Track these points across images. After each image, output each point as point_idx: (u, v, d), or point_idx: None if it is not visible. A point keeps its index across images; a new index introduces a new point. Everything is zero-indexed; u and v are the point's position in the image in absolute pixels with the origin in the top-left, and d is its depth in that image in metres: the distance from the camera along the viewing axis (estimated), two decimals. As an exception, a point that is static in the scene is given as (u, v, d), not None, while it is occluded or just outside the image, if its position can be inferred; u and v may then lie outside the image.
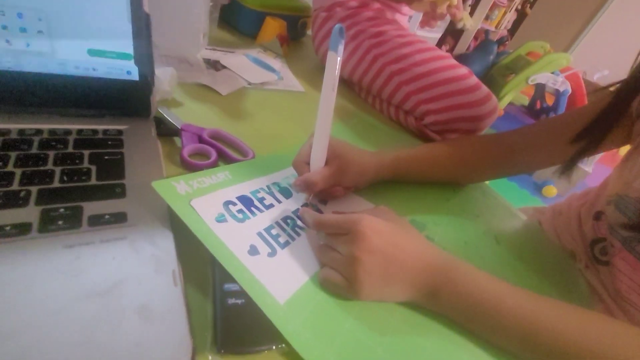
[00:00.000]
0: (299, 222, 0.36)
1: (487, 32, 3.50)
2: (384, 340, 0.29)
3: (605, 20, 3.81)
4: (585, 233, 0.52)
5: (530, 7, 4.31)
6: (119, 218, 0.29)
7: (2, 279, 0.22)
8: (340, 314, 0.29)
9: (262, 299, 0.26)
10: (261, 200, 0.37)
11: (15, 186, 0.28)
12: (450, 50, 3.67)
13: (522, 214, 0.60)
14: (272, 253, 0.31)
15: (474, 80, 0.63)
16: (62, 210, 0.27)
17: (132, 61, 0.39)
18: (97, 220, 0.28)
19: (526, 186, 2.34)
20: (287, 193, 0.40)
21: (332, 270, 0.31)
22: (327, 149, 0.38)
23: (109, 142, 0.36)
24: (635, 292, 0.42)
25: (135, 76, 0.40)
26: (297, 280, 0.30)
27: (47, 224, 0.26)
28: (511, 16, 4.20)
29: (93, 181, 0.31)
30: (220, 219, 0.31)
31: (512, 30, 4.41)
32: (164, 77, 0.47)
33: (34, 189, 0.28)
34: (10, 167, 0.29)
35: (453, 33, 3.58)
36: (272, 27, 0.83)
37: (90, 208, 0.28)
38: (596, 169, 2.22)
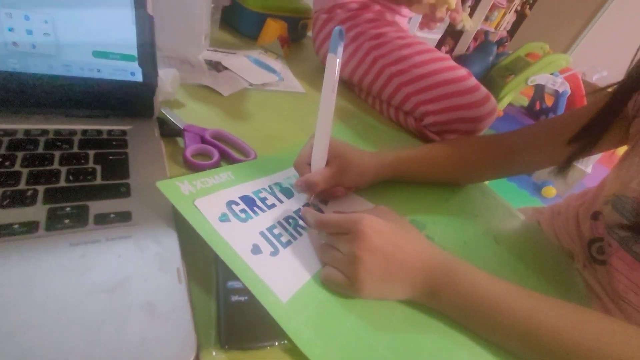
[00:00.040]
0: (300, 222, 0.37)
1: (486, 33, 3.51)
2: (384, 338, 0.29)
3: (605, 21, 3.82)
4: (582, 233, 0.53)
5: (530, 8, 4.33)
6: (124, 217, 0.29)
7: (11, 276, 0.23)
8: (341, 312, 0.30)
9: (265, 298, 0.27)
10: (263, 200, 0.37)
11: (22, 185, 0.29)
12: (450, 51, 3.68)
13: (521, 214, 0.60)
14: (275, 252, 0.32)
15: (473, 81, 0.63)
16: (68, 209, 0.28)
17: (136, 63, 0.40)
18: (102, 219, 0.28)
19: (525, 187, 2.34)
20: (288, 193, 0.40)
21: (333, 269, 0.32)
22: (328, 149, 0.39)
23: (114, 143, 0.37)
24: (633, 291, 0.42)
25: (138, 77, 0.40)
26: (299, 279, 0.31)
27: (54, 222, 0.27)
28: (510, 17, 4.22)
29: (98, 181, 0.32)
30: (224, 219, 0.32)
31: (512, 32, 4.42)
32: (167, 78, 0.47)
33: (40, 188, 0.29)
34: (17, 167, 0.30)
35: (453, 34, 3.59)
36: (273, 29, 0.83)
37: (96, 207, 0.29)
38: (595, 170, 2.23)
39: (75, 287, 0.23)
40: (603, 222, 0.48)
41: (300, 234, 0.35)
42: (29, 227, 0.26)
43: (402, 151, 0.50)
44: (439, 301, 0.32)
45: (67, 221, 0.27)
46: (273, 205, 0.37)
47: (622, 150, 0.49)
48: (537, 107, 3.39)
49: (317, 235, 0.36)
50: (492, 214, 0.56)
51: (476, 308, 0.31)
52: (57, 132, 0.35)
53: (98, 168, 0.33)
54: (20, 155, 0.31)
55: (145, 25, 0.38)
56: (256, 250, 0.31)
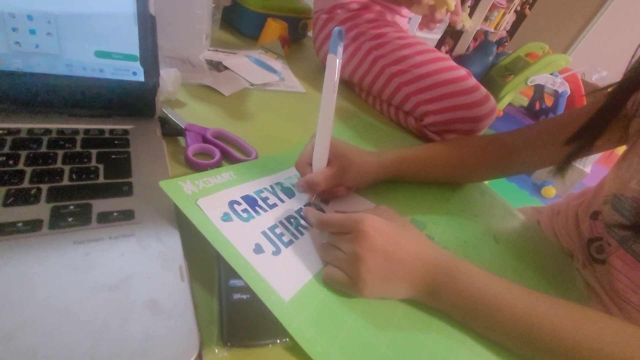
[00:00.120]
0: (302, 222, 0.37)
1: (486, 33, 3.51)
2: (386, 337, 0.29)
3: (604, 22, 3.82)
4: (582, 232, 0.53)
5: (530, 9, 4.33)
6: (127, 215, 0.29)
7: (15, 274, 0.23)
8: (343, 311, 0.30)
9: (267, 297, 0.27)
10: (265, 199, 0.37)
11: (26, 184, 0.29)
12: (450, 51, 3.68)
13: (521, 214, 0.61)
14: (277, 252, 0.32)
15: (472, 81, 0.64)
16: (71, 207, 0.28)
17: (138, 62, 0.40)
18: (105, 218, 0.28)
19: (525, 186, 2.35)
20: (290, 193, 0.40)
21: (335, 268, 0.32)
22: (329, 149, 0.39)
23: (116, 142, 0.37)
24: (632, 290, 0.43)
25: (140, 77, 0.41)
26: (301, 278, 0.31)
27: (58, 220, 0.27)
28: (510, 17, 4.22)
29: (101, 179, 0.32)
30: (226, 218, 0.32)
31: (511, 32, 4.42)
32: (168, 78, 0.47)
33: (44, 187, 0.29)
34: (21, 166, 0.30)
35: (452, 34, 3.60)
36: (274, 29, 0.84)
37: (99, 205, 0.29)
38: (594, 170, 2.23)
39: (79, 285, 0.23)
40: (602, 222, 0.48)
41: (301, 234, 0.36)
42: (33, 226, 0.26)
43: (403, 151, 0.50)
44: (440, 300, 0.33)
45: (70, 219, 0.27)
46: (274, 205, 0.37)
47: (621, 150, 0.50)
48: (537, 107, 3.40)
49: (318, 235, 0.36)
50: (492, 214, 0.56)
51: (476, 307, 0.32)
52: (60, 131, 0.35)
53: (101, 167, 0.33)
54: (23, 154, 0.31)
55: (147, 26, 0.38)
56: (258, 249, 0.31)
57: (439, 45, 3.48)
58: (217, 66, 0.66)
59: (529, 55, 3.00)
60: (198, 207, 0.31)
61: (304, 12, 0.93)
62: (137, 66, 0.40)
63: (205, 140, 0.44)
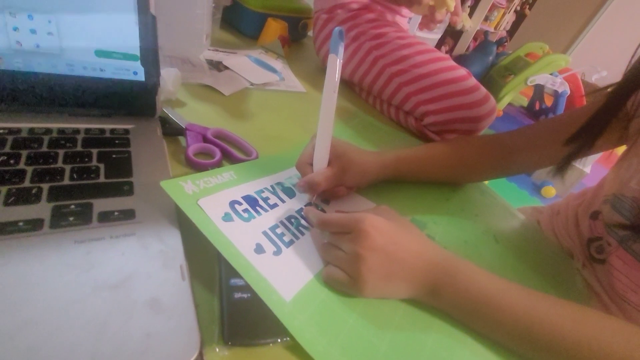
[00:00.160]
0: (302, 222, 0.37)
1: (486, 33, 3.52)
2: (387, 336, 0.29)
3: (604, 22, 3.83)
4: (582, 232, 0.53)
5: (529, 9, 4.33)
6: (128, 215, 0.29)
7: (17, 273, 0.23)
8: (344, 311, 0.30)
9: (268, 296, 0.27)
10: (265, 199, 0.37)
11: (27, 183, 0.29)
12: (450, 51, 3.69)
13: (521, 214, 0.61)
14: (278, 252, 0.32)
15: (472, 81, 0.64)
16: (72, 206, 0.28)
17: (139, 62, 0.40)
18: (106, 217, 0.28)
19: (525, 187, 2.35)
20: (290, 193, 0.40)
21: (335, 268, 0.32)
22: (330, 149, 0.39)
23: (117, 141, 0.37)
24: (632, 289, 0.43)
25: (141, 77, 0.41)
26: (302, 278, 0.31)
27: (59, 220, 0.27)
28: (510, 17, 4.23)
29: (102, 179, 0.32)
30: (227, 218, 0.32)
31: (511, 32, 4.43)
32: (168, 77, 0.47)
33: (45, 186, 0.29)
34: (22, 165, 0.30)
35: (452, 34, 3.60)
36: (274, 29, 0.84)
37: (100, 205, 0.29)
38: (594, 170, 2.23)
39: (80, 284, 0.23)
40: (602, 222, 0.48)
41: (302, 234, 0.36)
42: (34, 225, 0.26)
43: (403, 151, 0.50)
44: (440, 300, 0.33)
45: (71, 219, 0.27)
46: (275, 205, 0.37)
47: (621, 150, 0.50)
48: (537, 107, 3.40)
49: (319, 235, 0.36)
50: (492, 214, 0.56)
51: (477, 306, 0.32)
52: (61, 131, 0.35)
53: (101, 166, 0.33)
54: (24, 153, 0.31)
55: (148, 25, 0.38)
56: (259, 249, 0.31)
57: (439, 45, 3.49)
58: (217, 66, 0.66)
59: (529, 55, 3.00)
60: (199, 207, 0.31)
61: (304, 12, 0.93)
62: (137, 66, 0.40)
63: (205, 139, 0.44)
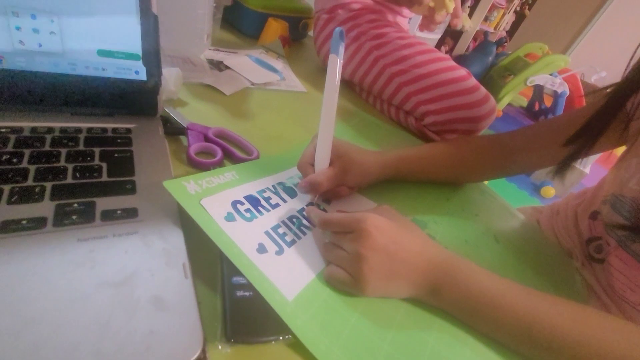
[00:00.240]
0: (304, 221, 0.37)
1: (486, 33, 3.52)
2: (388, 335, 0.30)
3: (604, 22, 3.83)
4: (581, 232, 0.53)
5: (529, 9, 4.34)
6: (130, 213, 0.29)
7: (21, 271, 0.23)
8: (346, 310, 0.30)
9: (271, 296, 0.27)
10: (267, 199, 0.37)
11: (30, 182, 0.29)
12: (450, 51, 3.69)
13: (521, 214, 0.61)
14: (280, 251, 0.32)
15: (472, 81, 0.64)
16: (75, 205, 0.28)
17: (140, 61, 0.40)
18: (109, 215, 0.29)
19: (525, 187, 2.35)
20: (292, 192, 0.41)
21: (337, 267, 0.32)
22: (331, 149, 0.39)
23: (119, 140, 0.37)
24: (630, 289, 0.43)
25: (143, 76, 0.41)
26: (304, 278, 0.31)
27: (62, 218, 0.27)
28: (510, 18, 4.23)
29: (104, 178, 0.32)
30: (229, 218, 0.32)
31: (511, 32, 4.43)
32: (170, 77, 0.48)
33: (48, 185, 0.29)
34: (24, 164, 0.30)
35: (452, 34, 3.60)
36: (274, 28, 0.84)
37: (103, 203, 0.29)
38: (593, 170, 2.24)
39: (84, 282, 0.24)
40: (601, 222, 0.48)
41: (304, 233, 0.36)
42: (37, 223, 0.26)
43: (404, 151, 0.50)
44: (441, 299, 0.33)
45: (74, 217, 0.27)
46: (277, 205, 0.37)
47: (620, 150, 0.50)
48: (536, 107, 3.40)
49: (321, 235, 0.36)
50: (492, 214, 0.57)
51: (478, 306, 0.32)
52: (63, 130, 0.36)
53: (104, 165, 0.33)
54: (27, 152, 0.31)
55: (150, 25, 0.38)
56: (262, 249, 0.31)
57: (439, 45, 3.49)
58: (218, 65, 0.66)
59: (529, 55, 3.01)
60: (202, 207, 0.31)
61: (305, 12, 0.93)
62: (139, 65, 0.40)
63: (207, 139, 0.44)
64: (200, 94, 0.55)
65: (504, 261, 0.46)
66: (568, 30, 4.03)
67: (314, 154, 0.40)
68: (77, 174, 0.31)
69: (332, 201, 0.43)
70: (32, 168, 0.30)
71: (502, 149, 0.55)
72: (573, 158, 0.48)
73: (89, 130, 0.37)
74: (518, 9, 4.25)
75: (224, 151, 0.43)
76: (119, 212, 0.29)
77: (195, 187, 0.33)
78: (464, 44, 3.73)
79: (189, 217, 0.30)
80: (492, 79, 3.05)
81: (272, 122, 0.56)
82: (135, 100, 0.41)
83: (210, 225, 0.30)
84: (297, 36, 0.96)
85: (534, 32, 4.15)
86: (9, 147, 0.32)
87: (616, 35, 3.67)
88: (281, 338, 0.26)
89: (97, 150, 0.35)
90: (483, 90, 0.64)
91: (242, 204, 0.35)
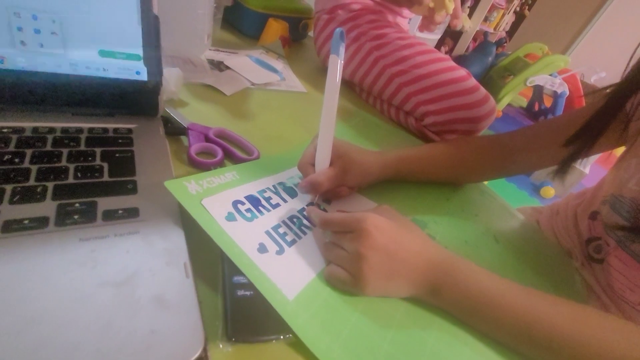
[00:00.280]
0: (304, 221, 0.37)
1: (485, 33, 3.52)
2: (388, 334, 0.30)
3: (603, 22, 3.84)
4: (581, 232, 0.53)
5: (529, 9, 4.34)
6: (132, 213, 0.30)
7: (23, 270, 0.23)
8: (346, 309, 0.30)
9: (272, 295, 0.27)
10: (268, 199, 0.38)
11: (32, 182, 0.29)
12: (449, 52, 3.69)
13: (521, 214, 0.61)
14: (280, 251, 0.32)
15: (472, 82, 0.64)
16: (77, 205, 0.28)
17: (141, 62, 0.40)
18: (111, 215, 0.29)
19: (525, 187, 2.35)
20: (292, 193, 0.41)
21: (337, 267, 0.32)
22: (331, 150, 0.39)
23: (120, 141, 0.37)
24: (629, 289, 0.43)
25: (144, 76, 0.41)
26: (305, 277, 0.31)
27: (64, 218, 0.27)
28: (510, 18, 4.24)
29: (105, 178, 0.32)
30: (230, 218, 0.32)
31: (511, 32, 4.44)
32: (170, 77, 0.48)
33: (50, 185, 0.29)
34: (26, 164, 0.30)
35: (452, 34, 3.60)
36: (275, 29, 0.84)
37: (104, 203, 0.30)
38: (593, 170, 2.24)
39: (86, 281, 0.24)
40: (601, 222, 0.48)
41: (304, 233, 0.36)
42: (39, 223, 0.26)
43: (404, 151, 0.51)
44: (441, 298, 0.33)
45: (76, 217, 0.28)
46: (277, 205, 0.38)
47: (619, 151, 0.50)
48: (536, 107, 3.40)
49: (321, 234, 0.36)
50: (492, 214, 0.57)
51: (477, 305, 0.32)
52: (65, 130, 0.36)
53: (105, 165, 0.33)
54: (29, 152, 0.32)
55: (151, 25, 0.38)
56: (262, 249, 0.31)
57: (439, 45, 3.49)
58: (218, 66, 0.66)
59: (528, 56, 3.01)
60: (203, 207, 0.31)
61: (305, 12, 0.93)
62: (140, 65, 0.40)
63: (207, 139, 0.44)
64: (200, 94, 0.55)
65: (503, 261, 0.47)
66: (568, 31, 4.04)
67: (314, 154, 0.40)
68: (79, 174, 0.31)
69: (333, 201, 0.43)
70: (34, 168, 0.30)
71: (502, 149, 0.55)
72: (573, 159, 0.48)
73: (90, 130, 0.37)
74: (518, 9, 4.25)
75: (225, 151, 0.43)
76: (120, 212, 0.29)
77: (196, 187, 0.33)
78: (464, 45, 3.73)
79: (190, 217, 0.30)
80: (492, 80, 3.05)
81: (272, 122, 0.56)
82: (136, 100, 0.41)
83: (211, 225, 0.30)
84: (297, 36, 0.96)
85: (533, 33, 4.15)
86: (11, 147, 0.32)
87: (616, 36, 3.68)
88: (282, 337, 0.26)
89: (98, 150, 0.35)
90: (483, 90, 0.64)
91: (243, 203, 0.35)
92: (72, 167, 0.32)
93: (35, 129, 0.34)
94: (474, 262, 0.34)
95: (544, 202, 2.27)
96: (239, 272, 0.28)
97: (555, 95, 2.86)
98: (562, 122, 0.52)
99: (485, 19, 3.74)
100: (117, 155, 0.35)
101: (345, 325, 0.29)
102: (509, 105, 3.28)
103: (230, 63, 0.68)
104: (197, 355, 0.22)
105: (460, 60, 3.33)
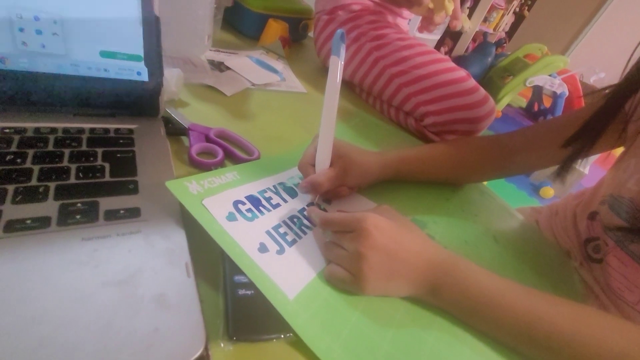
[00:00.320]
0: (305, 221, 0.37)
1: (485, 34, 3.53)
2: (388, 334, 0.30)
3: (603, 23, 3.84)
4: (579, 232, 0.53)
5: (528, 10, 4.35)
6: (133, 213, 0.30)
7: (25, 269, 0.23)
8: (346, 309, 0.30)
9: (272, 295, 0.27)
10: (268, 199, 0.38)
11: (34, 182, 0.29)
12: (449, 52, 3.70)
13: (520, 214, 0.61)
14: (281, 251, 0.32)
15: (472, 82, 0.64)
16: (79, 205, 0.29)
17: (142, 62, 0.40)
18: (112, 215, 0.29)
19: (524, 187, 2.36)
20: (292, 193, 0.41)
21: (337, 266, 0.32)
22: (332, 150, 0.40)
23: (121, 141, 0.37)
24: (628, 289, 0.43)
25: (144, 77, 0.41)
26: (305, 277, 0.31)
27: (66, 218, 0.27)
28: (509, 19, 4.24)
29: (107, 178, 0.32)
30: (231, 218, 0.32)
31: (510, 33, 4.44)
32: (171, 78, 0.48)
33: (51, 185, 0.29)
34: (28, 164, 0.31)
35: (452, 35, 3.61)
36: (275, 29, 0.84)
37: (106, 203, 0.30)
38: (592, 171, 2.24)
39: (88, 280, 0.24)
40: (600, 222, 0.48)
41: (305, 233, 0.36)
42: (42, 223, 0.26)
43: (404, 151, 0.51)
44: (441, 298, 0.33)
45: (78, 217, 0.28)
46: (278, 205, 0.38)
47: (618, 151, 0.50)
48: (536, 108, 3.41)
49: (321, 234, 0.36)
50: (492, 214, 0.57)
51: (477, 305, 0.32)
52: (66, 131, 0.36)
53: (106, 165, 0.34)
54: (30, 152, 0.32)
55: (152, 26, 0.39)
56: (263, 248, 0.31)
57: (438, 46, 3.49)
58: (219, 66, 0.66)
59: (528, 56, 3.01)
60: (204, 207, 0.32)
61: (305, 13, 0.93)
62: (141, 66, 0.40)
63: (208, 139, 0.44)
64: (201, 95, 0.55)
65: (503, 261, 0.47)
66: (567, 31, 4.04)
67: (314, 154, 0.40)
68: (81, 174, 0.32)
69: (333, 201, 0.43)
70: (36, 168, 0.30)
71: (502, 150, 0.55)
72: (573, 159, 0.49)
73: (92, 130, 0.37)
74: (517, 10, 4.26)
75: (225, 151, 0.43)
76: (122, 211, 0.29)
77: (197, 187, 0.33)
78: (463, 45, 3.74)
79: (191, 216, 0.30)
80: (492, 80, 3.06)
81: (272, 123, 0.56)
82: (137, 101, 0.42)
83: (212, 224, 0.30)
84: (297, 37, 0.96)
85: (533, 33, 4.16)
86: (13, 148, 0.32)
87: (615, 36, 3.68)
88: (282, 336, 0.27)
89: (99, 150, 0.35)
90: (482, 91, 0.64)
91: (244, 203, 0.35)
92: (73, 167, 0.32)
93: (37, 130, 0.35)
94: (474, 262, 0.34)
95: (543, 202, 2.27)
96: (240, 272, 0.28)
97: (555, 96, 2.86)
98: (562, 122, 0.53)
99: (485, 20, 3.75)
100: (118, 155, 0.35)
101: (346, 325, 0.29)
102: (508, 105, 3.29)
103: (231, 63, 0.68)
104: (198, 354, 0.22)
105: (460, 60, 3.34)
